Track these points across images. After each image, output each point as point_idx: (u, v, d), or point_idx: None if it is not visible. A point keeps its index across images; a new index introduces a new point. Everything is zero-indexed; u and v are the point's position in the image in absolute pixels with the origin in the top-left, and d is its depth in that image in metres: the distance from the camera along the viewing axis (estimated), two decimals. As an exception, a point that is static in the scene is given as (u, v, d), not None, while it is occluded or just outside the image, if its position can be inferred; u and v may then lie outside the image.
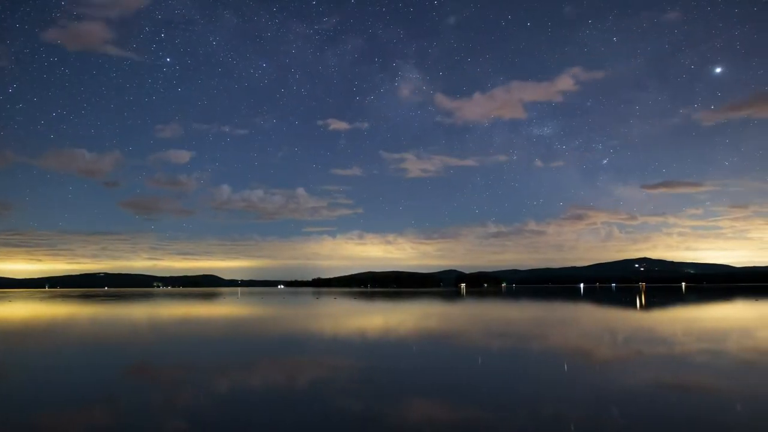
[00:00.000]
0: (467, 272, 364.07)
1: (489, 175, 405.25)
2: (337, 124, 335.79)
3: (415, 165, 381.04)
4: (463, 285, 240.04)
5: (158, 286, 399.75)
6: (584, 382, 8.66)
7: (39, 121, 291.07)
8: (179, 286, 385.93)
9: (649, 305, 36.82)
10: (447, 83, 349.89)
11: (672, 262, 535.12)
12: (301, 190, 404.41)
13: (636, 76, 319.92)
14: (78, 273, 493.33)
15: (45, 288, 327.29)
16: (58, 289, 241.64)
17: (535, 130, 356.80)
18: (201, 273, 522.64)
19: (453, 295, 73.27)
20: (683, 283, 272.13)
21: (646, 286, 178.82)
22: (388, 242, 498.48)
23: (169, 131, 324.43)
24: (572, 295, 64.41)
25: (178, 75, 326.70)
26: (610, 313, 28.67)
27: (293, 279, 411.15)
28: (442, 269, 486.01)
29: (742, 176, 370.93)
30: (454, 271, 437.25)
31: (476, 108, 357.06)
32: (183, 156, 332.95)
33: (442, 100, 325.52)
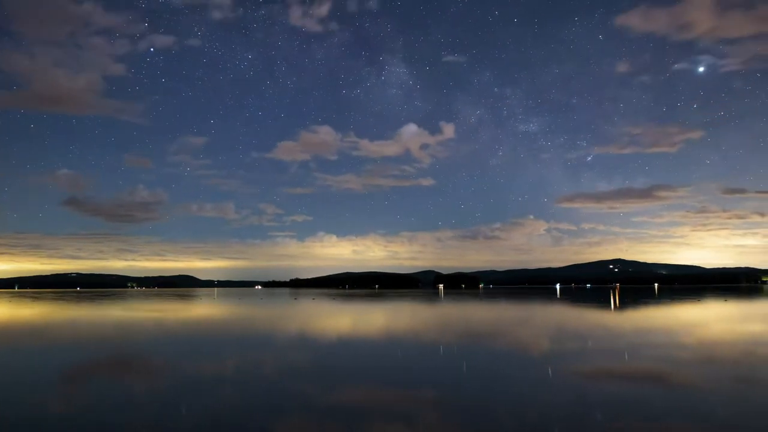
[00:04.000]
0: (445, 273, 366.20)
1: (474, 173, 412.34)
2: (286, 155, 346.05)
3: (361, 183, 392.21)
4: (441, 286, 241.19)
5: (132, 287, 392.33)
6: (546, 381, 8.61)
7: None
8: (154, 287, 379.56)
9: (623, 305, 37.29)
10: (434, 78, 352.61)
11: (645, 263, 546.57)
12: (264, 204, 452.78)
13: (621, 74, 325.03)
14: (50, 273, 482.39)
15: (14, 288, 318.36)
16: (27, 290, 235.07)
17: (521, 127, 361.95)
18: (177, 274, 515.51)
19: (431, 295, 73.37)
20: (656, 284, 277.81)
21: (620, 287, 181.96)
22: (359, 244, 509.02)
23: (142, 162, 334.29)
24: (549, 296, 65.02)
25: (162, 66, 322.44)
26: (584, 313, 28.88)
27: (271, 279, 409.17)
28: (419, 270, 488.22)
29: (725, 175, 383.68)
30: (432, 271, 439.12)
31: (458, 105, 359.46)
32: (155, 176, 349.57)
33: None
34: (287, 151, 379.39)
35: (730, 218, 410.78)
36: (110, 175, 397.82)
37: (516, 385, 8.64)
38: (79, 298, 66.00)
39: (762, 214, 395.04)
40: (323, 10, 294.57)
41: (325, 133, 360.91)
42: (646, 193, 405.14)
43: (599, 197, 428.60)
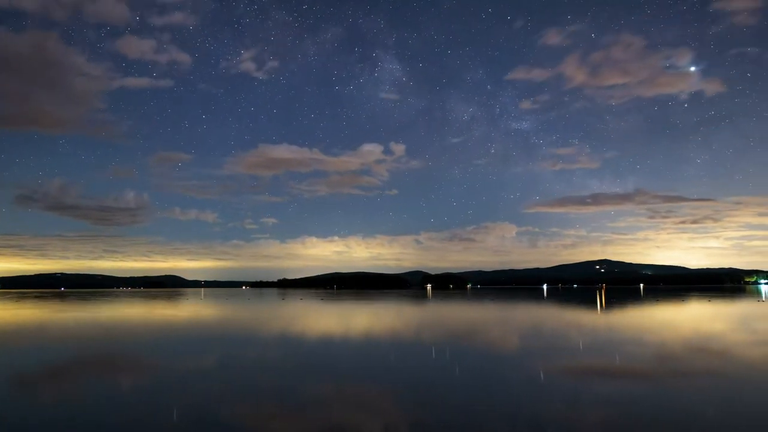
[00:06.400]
0: (432, 273, 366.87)
1: (455, 175, 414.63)
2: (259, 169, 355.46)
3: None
4: (429, 286, 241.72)
5: (118, 287, 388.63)
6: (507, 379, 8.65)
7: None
8: (140, 287, 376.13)
9: (609, 306, 37.65)
10: (426, 75, 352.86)
11: (630, 264, 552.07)
12: (243, 210, 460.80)
13: (612, 73, 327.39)
14: (33, 273, 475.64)
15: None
16: (10, 290, 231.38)
17: (513, 125, 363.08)
18: (163, 274, 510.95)
19: (420, 296, 73.46)
20: (641, 285, 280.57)
21: (606, 287, 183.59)
22: (342, 245, 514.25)
23: (128, 173, 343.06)
24: (536, 296, 65.43)
25: (153, 60, 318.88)
26: (571, 315, 29.10)
27: (258, 280, 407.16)
28: (406, 270, 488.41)
29: (713, 174, 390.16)
30: (420, 272, 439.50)
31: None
32: (140, 184, 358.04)
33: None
34: (259, 165, 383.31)
35: (683, 222, 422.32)
36: (96, 183, 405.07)
37: (497, 383, 8.69)
38: (63, 299, 65.03)
39: (715, 220, 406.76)
40: (315, 4, 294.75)
41: (294, 152, 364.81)
42: (593, 200, 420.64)
43: (552, 204, 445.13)
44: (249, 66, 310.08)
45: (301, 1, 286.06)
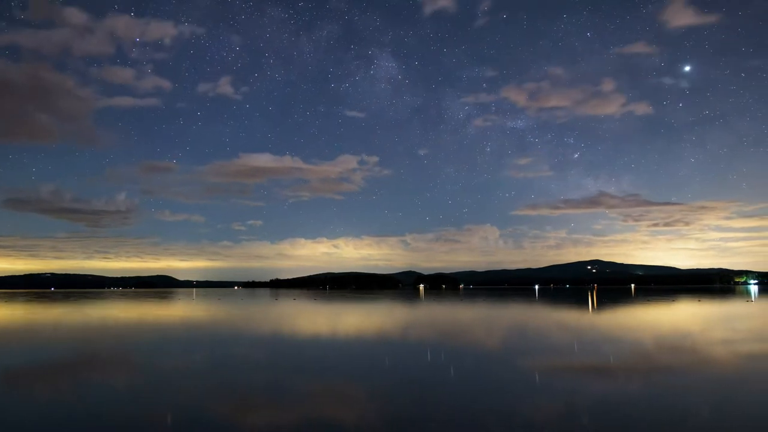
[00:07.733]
0: (424, 273, 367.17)
1: (443, 176, 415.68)
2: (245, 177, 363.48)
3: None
4: (421, 286, 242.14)
5: (109, 287, 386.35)
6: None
7: None
8: (131, 287, 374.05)
9: (600, 307, 37.94)
10: (422, 73, 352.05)
11: (622, 264, 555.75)
12: (233, 212, 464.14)
13: (608, 72, 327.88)
14: (23, 273, 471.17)
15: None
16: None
17: (509, 123, 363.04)
18: (154, 274, 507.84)
19: (412, 296, 73.57)
20: (632, 285, 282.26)
21: (597, 288, 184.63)
22: (332, 247, 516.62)
23: (119, 177, 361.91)
24: (528, 297, 65.71)
25: (147, 58, 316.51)
26: (562, 315, 29.32)
27: (250, 280, 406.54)
28: (397, 271, 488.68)
29: (707, 174, 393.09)
30: (413, 272, 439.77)
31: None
32: (131, 188, 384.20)
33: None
34: (241, 173, 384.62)
35: (656, 225, 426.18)
36: (88, 189, 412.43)
37: (493, 383, 8.80)
38: (50, 298, 64.46)
39: (686, 223, 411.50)
40: (312, 1, 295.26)
41: (280, 161, 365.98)
42: (565, 204, 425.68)
43: (527, 207, 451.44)
44: (227, 89, 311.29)
45: (296, 0, 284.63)
